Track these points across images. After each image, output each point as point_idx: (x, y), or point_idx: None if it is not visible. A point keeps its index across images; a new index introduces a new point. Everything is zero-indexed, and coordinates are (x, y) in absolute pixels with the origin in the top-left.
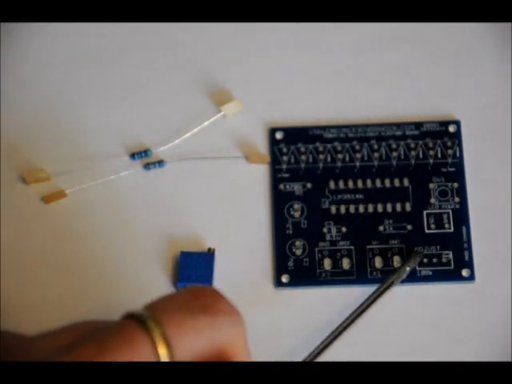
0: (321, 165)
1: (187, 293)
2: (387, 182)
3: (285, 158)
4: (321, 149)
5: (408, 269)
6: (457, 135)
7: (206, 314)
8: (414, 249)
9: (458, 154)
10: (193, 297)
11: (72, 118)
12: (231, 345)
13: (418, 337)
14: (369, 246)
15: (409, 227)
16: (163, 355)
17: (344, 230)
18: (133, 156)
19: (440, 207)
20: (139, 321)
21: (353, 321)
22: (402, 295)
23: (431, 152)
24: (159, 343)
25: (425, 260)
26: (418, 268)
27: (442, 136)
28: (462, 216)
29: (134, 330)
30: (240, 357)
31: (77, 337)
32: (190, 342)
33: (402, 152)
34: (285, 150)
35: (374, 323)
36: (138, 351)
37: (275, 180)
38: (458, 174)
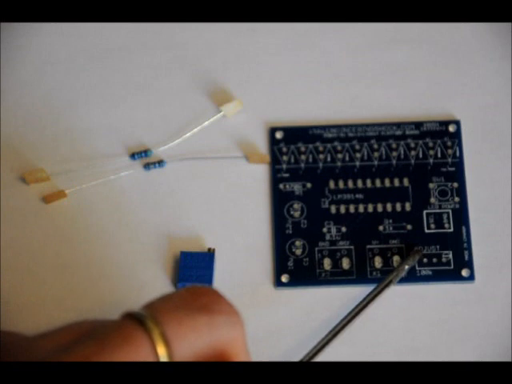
0: (321, 164)
1: (186, 292)
2: (387, 182)
3: (285, 158)
4: (321, 148)
5: (407, 267)
6: (457, 135)
7: (204, 314)
8: (413, 248)
9: (457, 154)
10: (192, 296)
11: (72, 118)
12: (230, 344)
13: (418, 337)
14: (369, 246)
15: (409, 227)
16: (162, 355)
17: (344, 229)
18: (133, 156)
19: (440, 207)
20: (138, 320)
21: (351, 319)
22: (401, 295)
23: (431, 152)
24: (158, 343)
25: (424, 260)
26: (417, 268)
27: (442, 136)
28: (461, 216)
29: (133, 329)
30: (239, 357)
31: (76, 336)
32: (189, 342)
33: (402, 152)
34: (285, 149)
35: (373, 323)
36: (137, 351)
37: (275, 180)
38: (458, 174)
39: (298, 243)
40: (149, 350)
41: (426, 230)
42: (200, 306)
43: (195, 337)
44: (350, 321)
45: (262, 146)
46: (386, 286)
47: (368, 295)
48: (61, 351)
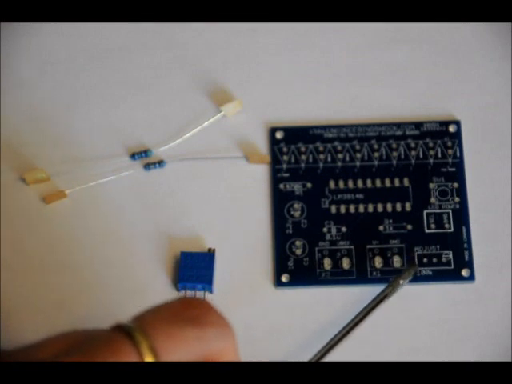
0: (321, 164)
1: (176, 304)
2: (387, 182)
3: (285, 158)
4: (321, 148)
5: (402, 282)
6: (457, 135)
7: (194, 326)
8: (412, 259)
9: (458, 154)
10: (182, 308)
11: (72, 118)
12: (221, 356)
13: (418, 337)
14: (369, 246)
15: (409, 227)
16: None
17: (344, 229)
18: (133, 156)
19: (440, 207)
20: (127, 333)
21: (346, 334)
22: (402, 295)
23: (431, 152)
24: (146, 356)
25: (425, 260)
26: (417, 268)
27: (442, 136)
28: (462, 216)
29: (121, 342)
30: None
31: (65, 347)
32: (178, 355)
33: (402, 152)
34: (285, 149)
35: (373, 323)
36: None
37: (275, 180)
38: (458, 174)
39: (298, 243)
40: None
41: (426, 230)
42: (190, 317)
43: (185, 350)
44: (344, 335)
45: (262, 145)
46: (381, 301)
47: (363, 309)
48: None
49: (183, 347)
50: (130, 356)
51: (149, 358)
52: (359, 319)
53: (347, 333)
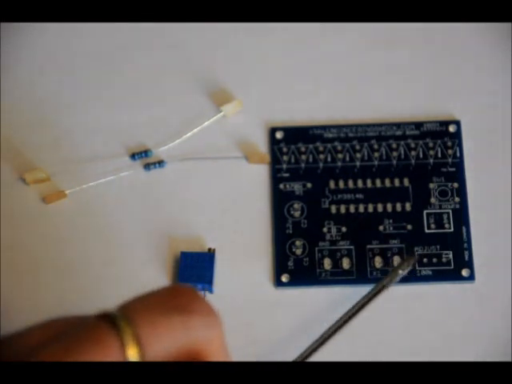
0: (321, 164)
1: (163, 292)
2: (387, 182)
3: (285, 158)
4: (321, 148)
5: (401, 272)
6: (457, 135)
7: (180, 314)
8: (412, 250)
9: (458, 154)
10: (168, 296)
11: (72, 118)
12: (207, 345)
13: (418, 337)
14: (369, 246)
15: (409, 227)
16: (133, 356)
17: (344, 229)
18: (133, 156)
19: (440, 207)
20: (112, 321)
21: (343, 324)
22: (402, 295)
23: (431, 152)
24: (130, 344)
25: (425, 260)
26: (417, 268)
27: (442, 136)
28: (462, 216)
29: (104, 330)
30: (216, 358)
31: (49, 335)
32: (162, 342)
33: (402, 152)
34: (285, 149)
35: (373, 323)
36: (107, 353)
37: (275, 180)
38: (458, 174)
39: (298, 243)
40: (118, 351)
41: (426, 230)
42: (176, 305)
43: (170, 337)
44: (340, 326)
45: (262, 146)
46: (380, 291)
47: (361, 299)
48: (31, 352)
49: (168, 335)
50: (111, 344)
51: (132, 347)
52: (355, 311)
53: (344, 323)
